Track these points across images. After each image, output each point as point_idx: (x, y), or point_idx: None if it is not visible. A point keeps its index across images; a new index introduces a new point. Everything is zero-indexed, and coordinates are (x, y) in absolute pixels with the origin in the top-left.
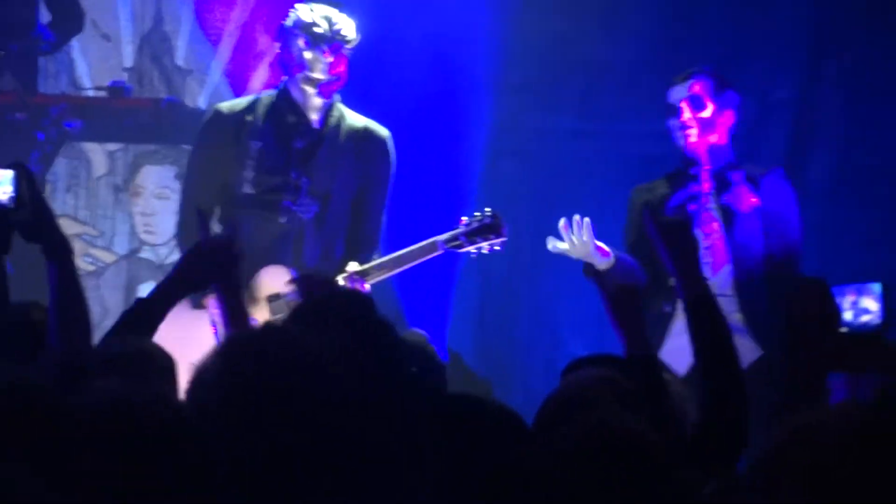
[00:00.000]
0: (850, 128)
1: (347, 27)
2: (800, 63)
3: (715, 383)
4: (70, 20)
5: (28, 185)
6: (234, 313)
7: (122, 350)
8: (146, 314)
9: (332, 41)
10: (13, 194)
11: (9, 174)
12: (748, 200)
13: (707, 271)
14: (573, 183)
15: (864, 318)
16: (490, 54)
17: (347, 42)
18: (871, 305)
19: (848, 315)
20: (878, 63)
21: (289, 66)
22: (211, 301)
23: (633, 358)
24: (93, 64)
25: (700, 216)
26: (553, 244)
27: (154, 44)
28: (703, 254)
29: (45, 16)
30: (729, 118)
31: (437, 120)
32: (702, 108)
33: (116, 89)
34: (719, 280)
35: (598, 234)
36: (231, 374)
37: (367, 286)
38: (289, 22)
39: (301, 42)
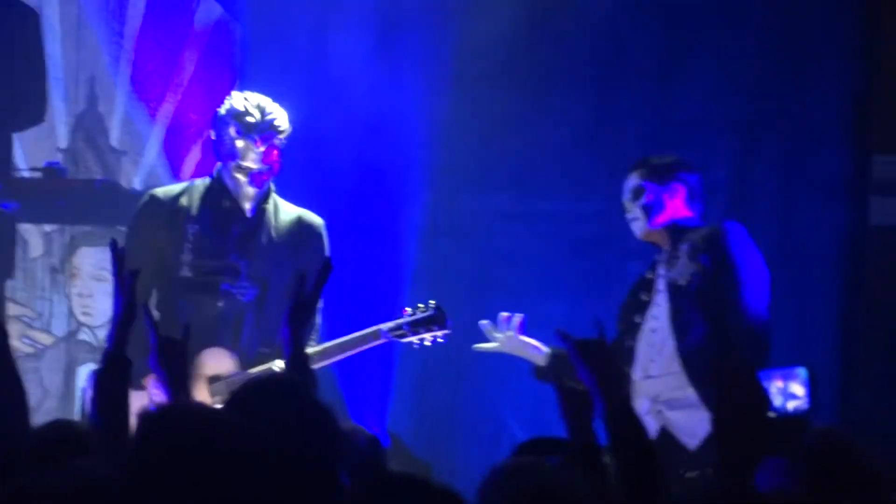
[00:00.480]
0: (784, 209)
1: (280, 117)
2: (734, 143)
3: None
4: (34, 111)
5: None
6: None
7: (55, 433)
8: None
9: (264, 131)
10: None
11: None
12: (690, 272)
13: (653, 353)
14: (509, 262)
15: (792, 404)
16: (423, 134)
17: (280, 132)
18: (797, 391)
19: (777, 400)
20: (811, 147)
21: (221, 154)
22: (150, 381)
23: (578, 445)
24: (27, 145)
25: (648, 305)
26: (479, 345)
27: (88, 125)
28: (649, 336)
29: None
30: (677, 191)
31: (372, 201)
32: (640, 195)
33: (52, 170)
34: (665, 359)
35: (536, 313)
36: (142, 453)
37: None
38: (222, 110)
39: (233, 131)
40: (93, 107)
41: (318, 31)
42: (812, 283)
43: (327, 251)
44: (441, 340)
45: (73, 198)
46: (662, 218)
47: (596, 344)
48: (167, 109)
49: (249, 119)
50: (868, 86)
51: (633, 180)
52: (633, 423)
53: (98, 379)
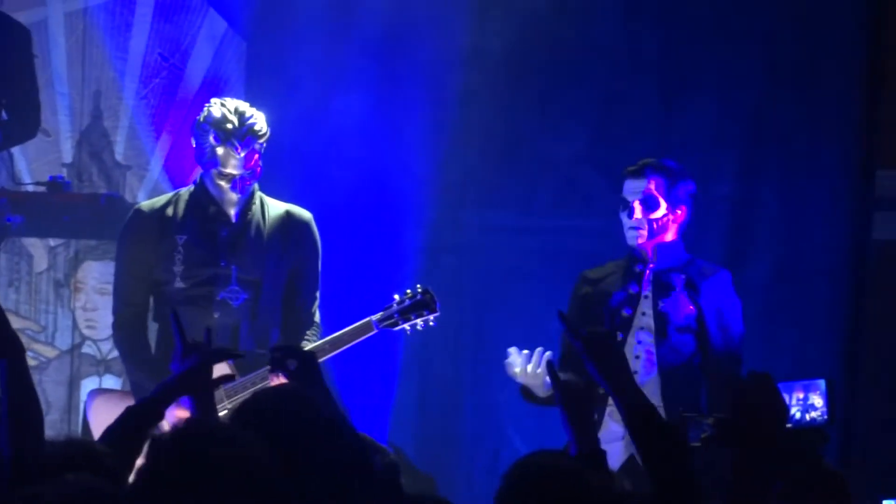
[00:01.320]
0: (787, 224)
1: (259, 121)
2: (738, 159)
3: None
4: (26, 126)
5: None
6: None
7: (69, 451)
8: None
9: (243, 137)
10: None
11: None
12: (685, 309)
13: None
14: (514, 279)
15: (812, 415)
16: (428, 150)
17: (260, 136)
18: (817, 402)
19: (795, 412)
20: (814, 160)
21: (203, 161)
22: None
23: (581, 454)
24: (32, 159)
25: (634, 322)
26: (510, 368)
27: (93, 140)
28: (633, 362)
29: None
30: (681, 215)
31: (378, 216)
32: (654, 208)
33: (56, 184)
34: (646, 390)
35: (540, 329)
36: (154, 473)
37: None
38: (201, 118)
39: (212, 138)
40: (98, 121)
41: (323, 45)
42: (816, 298)
43: (318, 246)
44: (432, 324)
45: (77, 212)
46: (662, 238)
47: (604, 336)
48: (172, 124)
49: (228, 126)
50: (871, 102)
51: (646, 184)
52: (647, 409)
53: (126, 415)
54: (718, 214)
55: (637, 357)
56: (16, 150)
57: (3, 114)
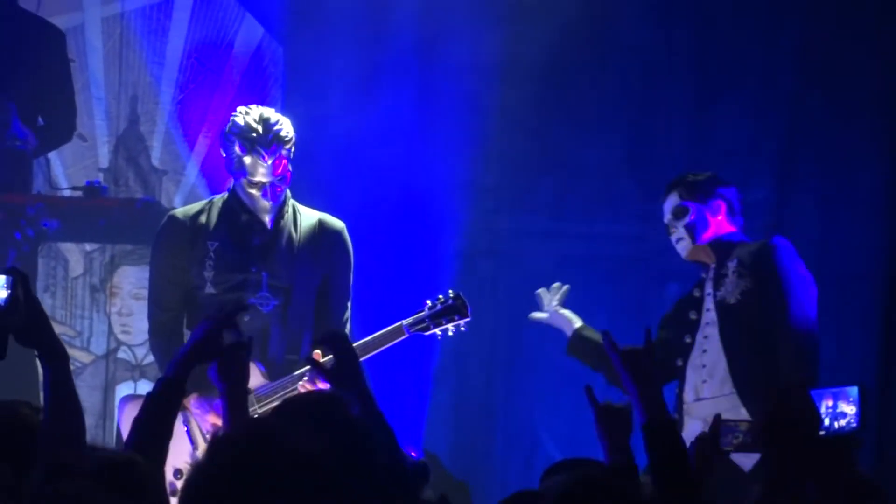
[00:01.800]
0: (824, 229)
1: (285, 127)
2: (773, 164)
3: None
4: (62, 130)
5: (23, 288)
6: (236, 411)
7: (111, 459)
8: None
9: (269, 144)
10: (8, 297)
11: (2, 278)
12: (739, 289)
13: (705, 374)
14: (548, 283)
15: (841, 423)
16: (465, 155)
17: (286, 143)
18: (847, 409)
19: (826, 419)
20: (849, 167)
21: (232, 170)
22: (192, 402)
23: (615, 465)
24: (68, 164)
25: (698, 325)
26: (534, 314)
27: (129, 144)
28: (700, 357)
29: (24, 114)
30: (721, 209)
31: (413, 221)
32: (683, 215)
33: (92, 189)
34: (717, 381)
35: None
36: (221, 474)
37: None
38: (227, 128)
39: (237, 148)
40: (134, 126)
41: (359, 51)
42: (853, 301)
43: (351, 255)
44: (463, 329)
45: (113, 217)
46: (707, 235)
47: (642, 353)
48: (208, 129)
49: (253, 135)
50: None
51: (672, 200)
52: (671, 433)
53: (149, 402)
54: (754, 219)
55: (704, 351)
56: (52, 155)
57: (40, 119)
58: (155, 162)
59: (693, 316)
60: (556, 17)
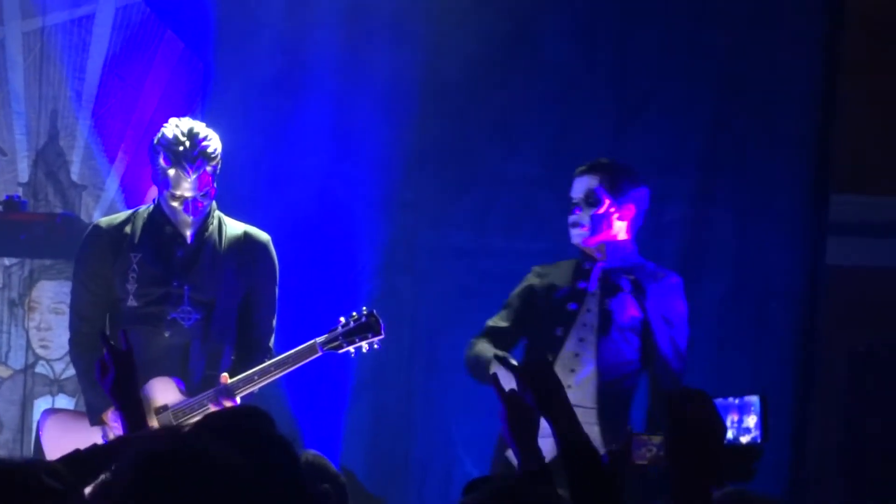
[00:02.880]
0: (741, 247)
1: (213, 143)
2: (691, 181)
3: None
4: None
5: None
6: (134, 425)
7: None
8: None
9: (194, 160)
10: None
11: None
12: (630, 312)
13: (570, 378)
14: (467, 301)
15: (746, 438)
16: (384, 169)
17: (211, 159)
18: (750, 422)
19: (730, 433)
20: (769, 184)
21: (157, 182)
22: (110, 415)
23: (528, 473)
24: None
25: (578, 317)
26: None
27: (49, 159)
28: (571, 360)
29: None
30: (629, 213)
31: (332, 236)
32: (596, 204)
33: (12, 203)
34: (582, 390)
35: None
36: (143, 487)
37: (238, 399)
38: (156, 138)
39: (163, 160)
40: (54, 141)
41: (279, 66)
42: (769, 321)
43: (276, 268)
44: (377, 347)
45: (33, 231)
46: (606, 235)
47: (539, 365)
48: (128, 144)
49: (179, 148)
50: (825, 126)
51: (590, 182)
52: (582, 441)
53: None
54: (673, 237)
55: (577, 355)
56: None
57: None
58: (74, 177)
59: (571, 307)
60: (477, 31)
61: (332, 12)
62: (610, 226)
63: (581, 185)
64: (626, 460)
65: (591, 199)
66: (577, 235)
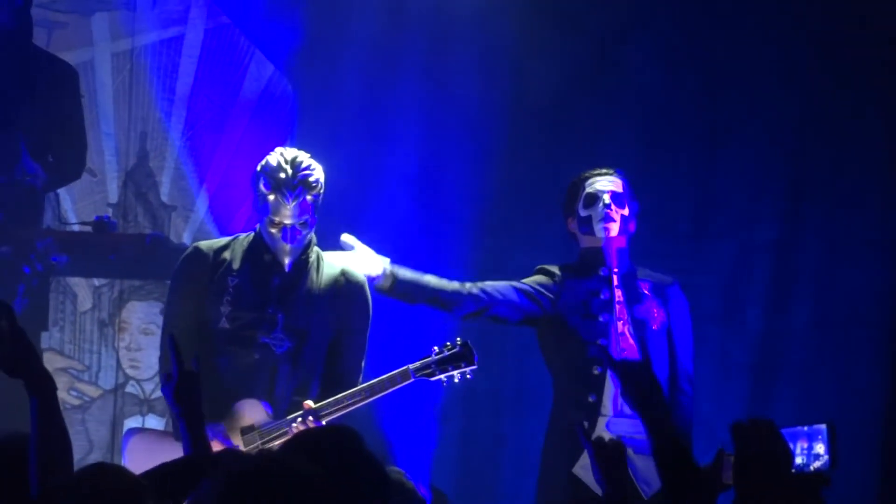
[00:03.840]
0: (829, 272)
1: (315, 173)
2: (779, 208)
3: None
4: (72, 167)
5: (8, 319)
6: (196, 439)
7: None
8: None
9: (294, 188)
10: None
11: None
12: (659, 316)
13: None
14: None
15: (817, 464)
16: (474, 193)
17: (312, 188)
18: (820, 449)
19: (799, 459)
20: (857, 207)
21: (257, 209)
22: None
23: (608, 499)
24: (77, 199)
25: (611, 328)
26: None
27: (139, 180)
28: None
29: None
30: (633, 227)
31: (422, 263)
32: (622, 206)
33: (102, 224)
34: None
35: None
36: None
37: (324, 422)
38: (259, 166)
39: (263, 187)
40: (143, 162)
41: (369, 90)
42: (856, 346)
43: (370, 309)
44: (469, 377)
45: (122, 252)
46: (624, 239)
47: (637, 365)
48: (218, 165)
49: (281, 175)
50: None
51: (619, 184)
52: (678, 444)
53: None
54: (761, 261)
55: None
56: (62, 190)
57: (50, 156)
58: (164, 198)
59: (603, 319)
60: (564, 59)
61: (421, 38)
62: (629, 231)
63: (608, 183)
64: (717, 479)
65: (619, 200)
66: (605, 230)
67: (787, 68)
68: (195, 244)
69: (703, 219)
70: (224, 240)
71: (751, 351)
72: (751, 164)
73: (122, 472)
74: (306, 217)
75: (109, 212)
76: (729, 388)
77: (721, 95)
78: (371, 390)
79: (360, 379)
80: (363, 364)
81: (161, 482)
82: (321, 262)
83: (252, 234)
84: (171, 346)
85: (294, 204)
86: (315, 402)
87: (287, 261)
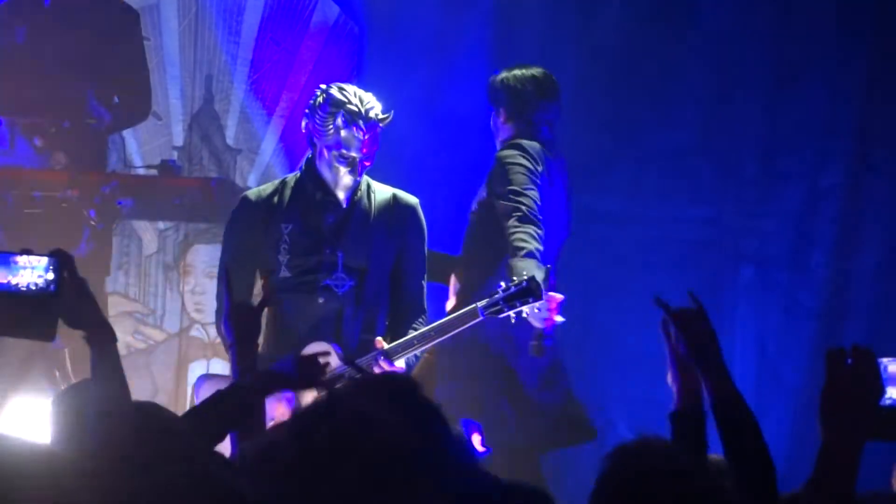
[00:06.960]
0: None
1: (378, 106)
2: (847, 150)
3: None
4: (137, 108)
5: (68, 271)
6: (244, 370)
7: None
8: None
9: (368, 120)
10: (55, 280)
11: (45, 261)
12: None
13: None
14: (621, 264)
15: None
16: None
17: (381, 121)
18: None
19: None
20: None
21: (322, 144)
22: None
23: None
24: (143, 142)
25: None
26: None
27: (204, 123)
28: None
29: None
30: None
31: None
32: None
33: (167, 168)
34: None
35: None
36: (305, 443)
37: (397, 364)
38: (320, 100)
39: (339, 120)
40: (209, 105)
41: (435, 32)
42: None
43: (425, 231)
44: (538, 311)
45: (187, 196)
46: None
47: (694, 314)
48: (284, 108)
49: (352, 108)
50: None
51: None
52: (735, 396)
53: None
54: (828, 204)
55: None
56: (127, 133)
57: (115, 97)
58: (229, 141)
59: None
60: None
61: None
62: None
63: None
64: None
65: None
66: None
67: (858, 9)
68: (243, 195)
69: (772, 161)
70: (271, 185)
71: (818, 295)
72: (819, 106)
73: (160, 411)
74: (372, 150)
75: (175, 155)
76: (796, 332)
77: (790, 37)
78: (440, 330)
79: (425, 300)
80: (426, 283)
81: (205, 416)
82: (372, 192)
83: (298, 173)
84: (222, 279)
85: (367, 137)
86: (385, 338)
87: (343, 196)
